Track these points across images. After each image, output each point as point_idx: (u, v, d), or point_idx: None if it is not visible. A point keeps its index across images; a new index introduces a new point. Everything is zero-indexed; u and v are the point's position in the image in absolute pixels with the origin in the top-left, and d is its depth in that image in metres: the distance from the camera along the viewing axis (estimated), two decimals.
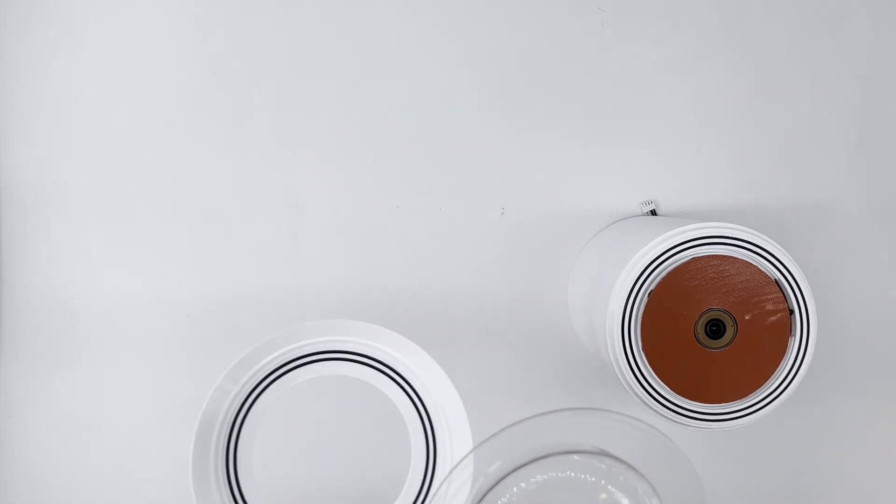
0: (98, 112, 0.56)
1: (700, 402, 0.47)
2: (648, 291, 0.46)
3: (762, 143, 0.59)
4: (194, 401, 0.58)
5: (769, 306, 0.47)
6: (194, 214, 0.57)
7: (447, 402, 0.43)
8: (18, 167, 0.56)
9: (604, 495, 0.38)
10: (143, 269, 0.57)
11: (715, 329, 0.47)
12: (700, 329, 0.47)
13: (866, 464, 0.62)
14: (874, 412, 0.61)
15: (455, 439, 0.43)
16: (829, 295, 0.59)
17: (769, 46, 0.58)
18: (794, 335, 0.47)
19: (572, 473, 0.38)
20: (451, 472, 0.38)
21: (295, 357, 0.44)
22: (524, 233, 0.58)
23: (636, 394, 0.46)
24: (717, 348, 0.47)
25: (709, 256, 0.46)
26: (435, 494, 0.39)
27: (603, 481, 0.37)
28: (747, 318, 0.47)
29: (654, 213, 0.58)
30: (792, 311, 0.47)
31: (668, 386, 0.46)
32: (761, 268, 0.46)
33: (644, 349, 0.46)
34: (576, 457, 0.37)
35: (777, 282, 0.47)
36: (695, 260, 0.46)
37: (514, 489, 0.37)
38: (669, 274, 0.46)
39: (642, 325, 0.46)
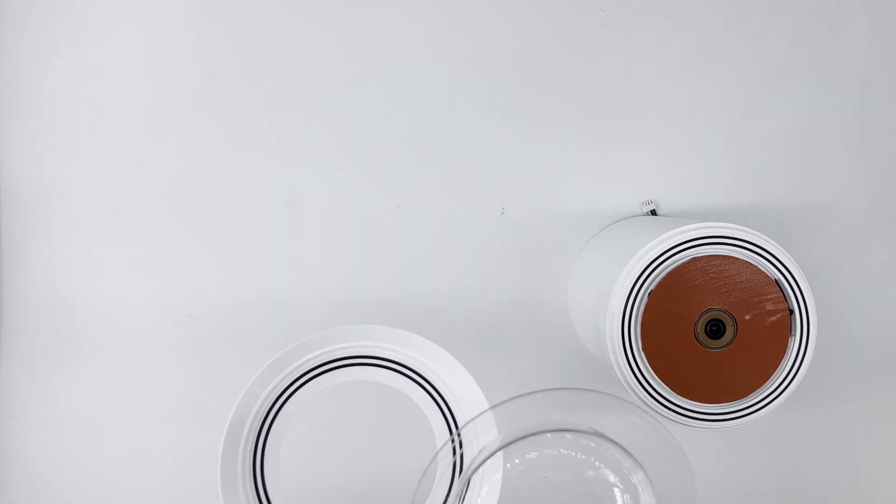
0: (98, 112, 0.56)
1: (700, 402, 0.47)
2: (648, 291, 0.46)
3: (762, 143, 0.59)
4: (194, 401, 0.58)
5: (769, 306, 0.47)
6: (194, 214, 0.57)
7: (475, 408, 0.43)
8: (18, 167, 0.56)
9: (591, 472, 0.38)
10: (142, 270, 0.57)
11: (715, 329, 0.47)
12: (700, 329, 0.47)
13: (866, 463, 0.62)
14: (874, 412, 0.61)
15: (483, 443, 0.43)
16: (829, 295, 0.59)
17: (769, 46, 0.58)
18: (794, 335, 0.47)
19: (564, 451, 0.38)
20: (437, 453, 0.38)
21: (326, 361, 0.44)
22: (524, 233, 0.58)
23: (636, 394, 0.46)
24: (717, 348, 0.47)
25: (709, 256, 0.46)
26: (424, 474, 0.40)
27: (592, 458, 0.38)
28: (747, 318, 0.47)
29: (654, 213, 0.58)
30: (792, 311, 0.47)
31: (668, 386, 0.46)
32: (761, 268, 0.46)
33: (644, 349, 0.46)
34: (568, 435, 0.38)
35: (777, 282, 0.47)
36: (695, 260, 0.46)
37: (508, 465, 0.38)
38: (669, 274, 0.46)
39: (642, 325, 0.46)
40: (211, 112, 0.57)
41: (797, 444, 0.61)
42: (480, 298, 0.58)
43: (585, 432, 0.38)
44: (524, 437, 0.38)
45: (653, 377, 0.46)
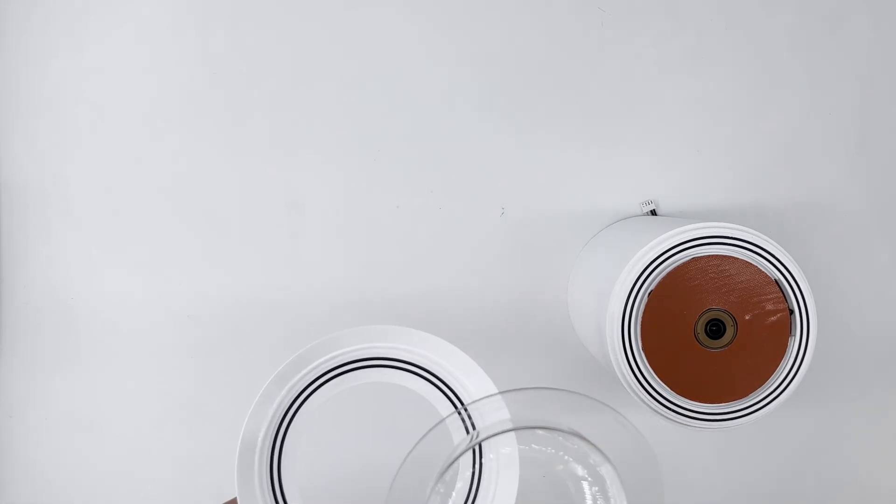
0: (98, 112, 0.56)
1: (700, 402, 0.47)
2: (648, 291, 0.46)
3: (762, 143, 0.59)
4: (194, 401, 0.58)
5: (769, 306, 0.47)
6: (194, 214, 0.57)
7: (493, 412, 0.43)
8: (18, 167, 0.56)
9: (561, 466, 0.39)
10: (142, 270, 0.57)
11: (715, 329, 0.47)
12: (700, 329, 0.47)
13: (866, 463, 0.62)
14: (874, 412, 0.61)
15: (501, 445, 0.43)
16: (829, 295, 0.59)
17: (769, 46, 0.58)
18: (794, 335, 0.47)
19: (535, 447, 0.39)
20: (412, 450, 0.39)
21: (347, 361, 0.44)
22: (524, 233, 0.58)
23: (636, 394, 0.46)
24: (717, 348, 0.47)
25: (709, 256, 0.46)
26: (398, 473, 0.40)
27: (561, 453, 0.39)
28: (747, 318, 0.47)
29: (654, 213, 0.58)
30: (792, 311, 0.47)
31: (668, 386, 0.46)
32: (761, 268, 0.46)
33: (644, 349, 0.46)
34: (540, 432, 0.39)
35: (777, 282, 0.47)
36: (695, 260, 0.46)
37: (483, 460, 0.38)
38: (669, 274, 0.46)
39: (642, 325, 0.46)
40: (211, 112, 0.57)
41: (797, 444, 0.61)
42: (480, 298, 0.58)
43: (557, 429, 0.39)
44: (497, 434, 0.38)
45: (653, 377, 0.46)
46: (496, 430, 0.39)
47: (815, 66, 0.58)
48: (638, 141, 0.58)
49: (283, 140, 0.57)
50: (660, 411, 0.47)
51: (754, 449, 0.61)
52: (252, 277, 0.57)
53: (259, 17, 0.56)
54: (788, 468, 0.61)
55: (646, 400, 0.46)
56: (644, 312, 0.46)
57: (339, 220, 0.58)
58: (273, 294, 0.57)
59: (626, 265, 0.46)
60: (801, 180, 0.59)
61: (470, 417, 0.41)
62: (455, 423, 0.42)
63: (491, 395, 0.40)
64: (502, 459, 0.41)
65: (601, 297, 0.48)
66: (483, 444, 0.41)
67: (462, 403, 0.43)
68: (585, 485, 0.39)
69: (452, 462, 0.38)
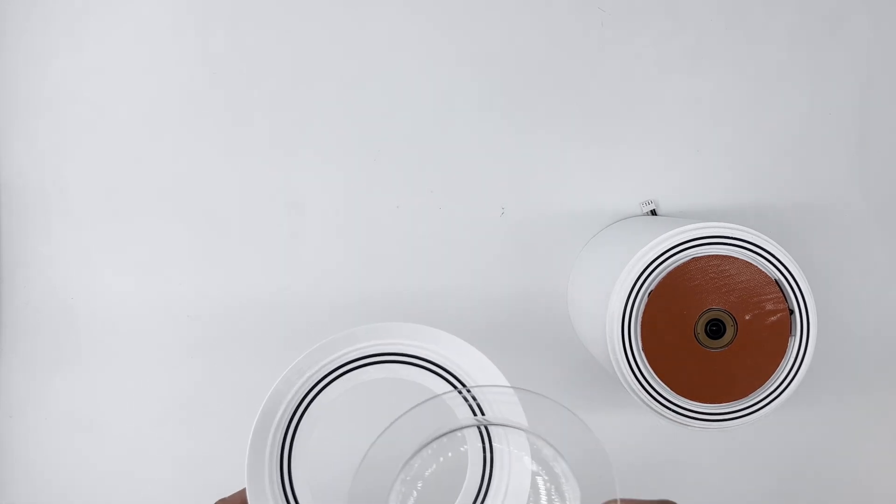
0: (98, 112, 0.56)
1: (700, 402, 0.47)
2: (648, 291, 0.46)
3: (762, 143, 0.59)
4: (194, 401, 0.58)
5: (769, 306, 0.47)
6: (194, 215, 0.57)
7: (507, 410, 0.43)
8: (18, 167, 0.56)
9: (516, 463, 0.41)
10: (142, 270, 0.57)
11: (715, 329, 0.47)
12: (700, 329, 0.47)
13: (866, 463, 0.62)
14: (874, 412, 0.61)
15: (511, 440, 0.43)
16: (829, 295, 0.59)
17: (769, 47, 0.58)
18: (794, 335, 0.47)
19: (497, 445, 0.41)
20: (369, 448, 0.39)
21: (363, 356, 0.44)
22: (524, 233, 0.58)
23: (636, 394, 0.46)
24: (717, 348, 0.47)
25: (709, 256, 0.46)
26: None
27: (515, 450, 0.41)
28: (747, 318, 0.47)
29: (654, 213, 0.58)
30: (792, 311, 0.47)
31: (668, 386, 0.46)
32: (761, 268, 0.46)
33: (644, 349, 0.46)
34: (497, 429, 0.40)
35: (777, 282, 0.47)
36: (695, 260, 0.46)
37: (434, 465, 0.39)
38: (669, 274, 0.46)
39: (642, 325, 0.46)
40: (211, 112, 0.57)
41: (797, 444, 0.61)
42: (480, 298, 0.58)
43: (508, 426, 0.40)
44: (447, 434, 0.39)
45: (653, 377, 0.46)
46: (455, 427, 0.39)
47: (815, 66, 0.58)
48: (638, 141, 0.58)
49: (283, 140, 0.57)
50: (660, 411, 0.47)
51: (754, 449, 0.61)
52: (252, 277, 0.57)
53: (259, 17, 0.56)
54: (788, 468, 0.61)
55: (646, 400, 0.46)
56: (644, 312, 0.46)
57: (339, 220, 0.58)
58: (273, 294, 0.57)
59: (626, 265, 0.46)
60: (801, 180, 0.59)
61: (475, 399, 0.42)
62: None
63: (436, 396, 0.40)
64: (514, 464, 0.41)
65: (601, 296, 0.48)
66: (494, 446, 0.41)
67: (477, 406, 0.43)
68: (541, 481, 0.40)
69: (417, 453, 0.39)
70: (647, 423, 0.59)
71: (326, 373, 0.43)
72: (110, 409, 0.58)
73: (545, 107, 0.58)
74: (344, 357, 0.43)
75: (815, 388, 0.60)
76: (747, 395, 0.47)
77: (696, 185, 0.59)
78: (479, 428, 0.41)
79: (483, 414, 0.42)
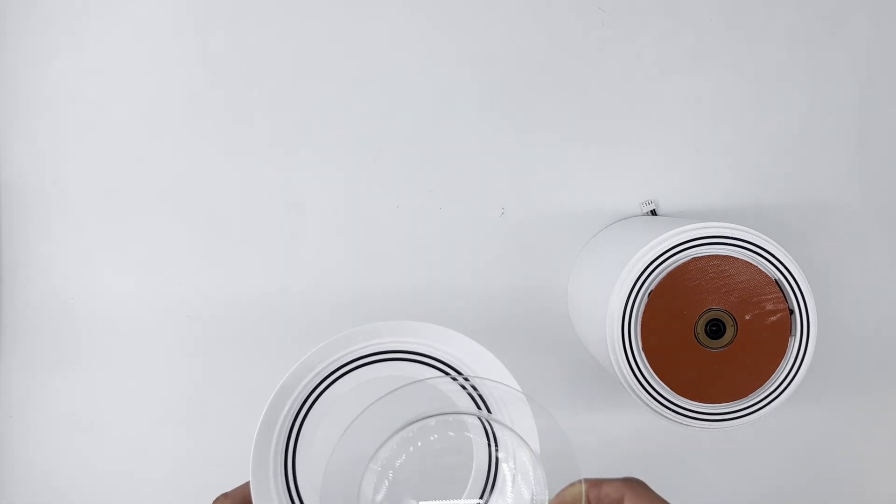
0: (98, 112, 0.56)
1: (700, 402, 0.47)
2: (648, 291, 0.46)
3: (762, 143, 0.59)
4: (194, 401, 0.58)
5: (769, 306, 0.47)
6: (194, 215, 0.57)
7: (515, 410, 0.43)
8: (18, 167, 0.56)
9: (482, 451, 0.42)
10: (142, 270, 0.57)
11: (715, 329, 0.47)
12: (700, 329, 0.47)
13: (866, 463, 0.62)
14: (874, 412, 0.61)
15: (518, 440, 0.43)
16: (829, 295, 0.59)
17: (769, 47, 0.58)
18: (794, 335, 0.47)
19: (451, 434, 0.41)
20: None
21: (371, 353, 0.44)
22: (524, 233, 0.58)
23: (636, 394, 0.46)
24: (717, 348, 0.47)
25: (709, 256, 0.46)
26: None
27: (480, 438, 0.42)
28: (747, 318, 0.47)
29: (654, 213, 0.58)
30: (792, 311, 0.47)
31: (668, 386, 0.46)
32: (761, 268, 0.46)
33: (644, 349, 0.46)
34: (451, 418, 0.41)
35: (777, 282, 0.47)
36: (695, 260, 0.46)
37: (403, 455, 0.39)
38: (669, 274, 0.46)
39: (642, 325, 0.46)
40: (211, 112, 0.57)
41: (797, 444, 0.61)
42: (480, 298, 0.58)
43: (471, 415, 0.41)
44: (414, 422, 0.39)
45: (653, 377, 0.46)
46: (428, 413, 0.40)
47: (815, 66, 0.58)
48: (638, 141, 0.58)
49: (283, 140, 0.57)
50: (660, 411, 0.47)
51: (754, 449, 0.61)
52: (252, 277, 0.57)
53: (259, 17, 0.56)
54: (788, 468, 0.61)
55: (646, 400, 0.46)
56: (644, 312, 0.46)
57: (339, 220, 0.58)
58: (273, 294, 0.57)
59: (626, 265, 0.46)
60: (801, 180, 0.59)
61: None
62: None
63: (398, 388, 0.41)
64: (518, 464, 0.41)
65: (601, 296, 0.48)
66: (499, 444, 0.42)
67: (486, 405, 0.44)
68: (506, 467, 0.41)
69: (386, 441, 0.39)
70: (647, 423, 0.59)
71: (334, 368, 0.43)
72: (110, 409, 0.58)
73: (545, 107, 0.58)
74: (353, 353, 0.43)
75: (814, 388, 0.60)
76: (747, 395, 0.47)
77: (696, 185, 0.59)
78: (448, 418, 0.42)
79: (488, 409, 0.43)
